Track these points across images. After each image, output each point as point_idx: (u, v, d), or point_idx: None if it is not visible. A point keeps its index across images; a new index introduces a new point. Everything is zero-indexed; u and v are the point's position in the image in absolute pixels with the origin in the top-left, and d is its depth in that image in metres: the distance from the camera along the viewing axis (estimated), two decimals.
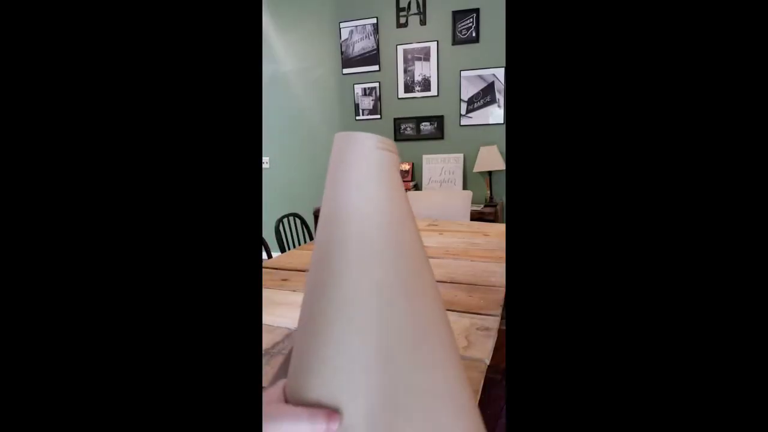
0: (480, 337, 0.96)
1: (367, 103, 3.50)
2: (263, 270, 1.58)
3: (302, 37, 3.60)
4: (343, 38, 3.47)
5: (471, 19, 3.11)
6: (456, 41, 3.17)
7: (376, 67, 3.42)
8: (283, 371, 0.42)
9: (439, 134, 3.33)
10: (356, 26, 3.41)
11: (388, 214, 0.37)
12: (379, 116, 3.48)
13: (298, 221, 3.53)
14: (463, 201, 2.52)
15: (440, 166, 3.31)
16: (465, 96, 3.21)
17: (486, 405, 1.58)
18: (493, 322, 1.03)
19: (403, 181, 3.26)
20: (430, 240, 1.95)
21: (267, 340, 0.99)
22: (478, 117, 3.20)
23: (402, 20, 3.29)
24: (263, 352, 0.93)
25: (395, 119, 3.43)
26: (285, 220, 3.51)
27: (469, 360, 0.86)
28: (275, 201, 3.87)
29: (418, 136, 3.39)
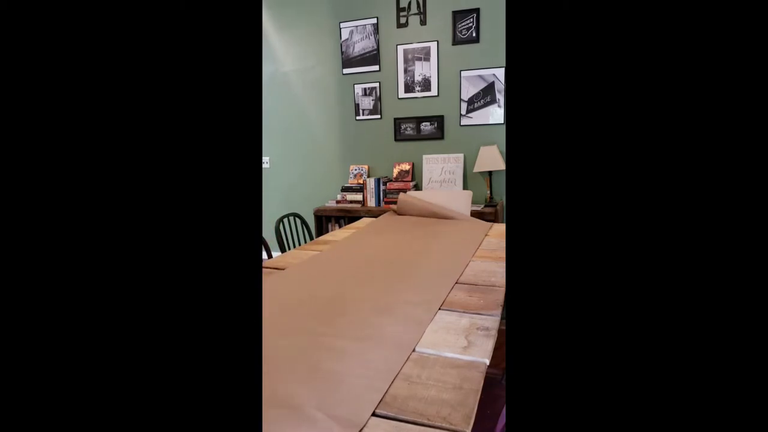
0: (480, 337, 0.96)
1: (367, 103, 3.50)
2: (263, 270, 1.58)
3: (302, 37, 3.60)
4: (343, 38, 3.47)
5: (471, 19, 3.11)
6: (456, 41, 3.17)
7: (376, 67, 3.42)
8: None
9: (439, 134, 3.33)
10: (356, 26, 3.41)
11: None
12: (379, 116, 3.48)
13: (298, 221, 3.53)
14: (463, 201, 2.52)
15: (440, 166, 3.31)
16: (465, 96, 3.21)
17: (486, 405, 1.58)
18: (493, 322, 1.03)
19: (403, 181, 3.27)
20: None
21: None
22: (478, 117, 3.20)
23: (402, 20, 3.29)
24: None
25: (395, 119, 3.43)
26: (285, 220, 3.51)
27: (469, 360, 0.86)
28: (275, 201, 3.87)
29: (418, 136, 3.39)
